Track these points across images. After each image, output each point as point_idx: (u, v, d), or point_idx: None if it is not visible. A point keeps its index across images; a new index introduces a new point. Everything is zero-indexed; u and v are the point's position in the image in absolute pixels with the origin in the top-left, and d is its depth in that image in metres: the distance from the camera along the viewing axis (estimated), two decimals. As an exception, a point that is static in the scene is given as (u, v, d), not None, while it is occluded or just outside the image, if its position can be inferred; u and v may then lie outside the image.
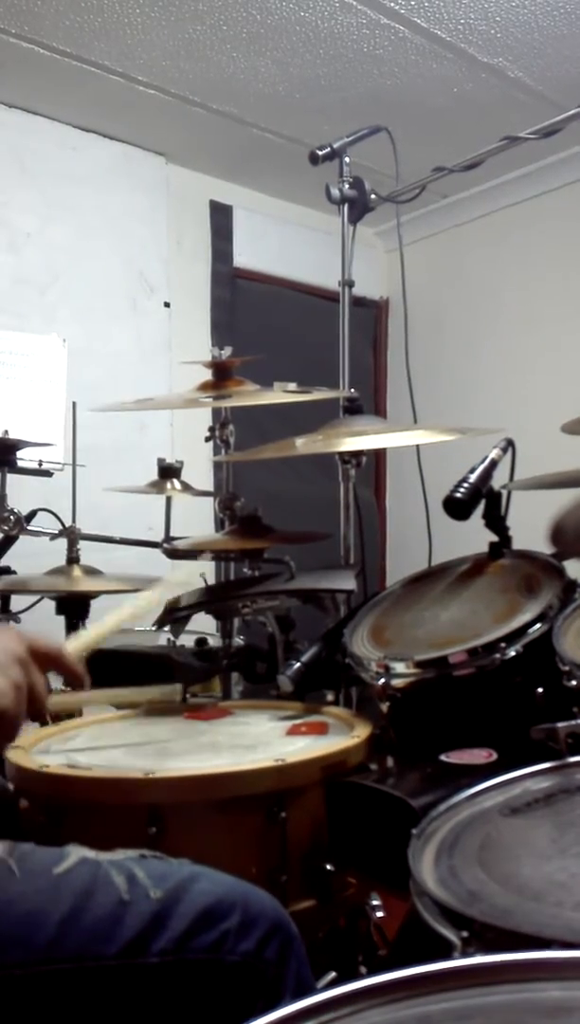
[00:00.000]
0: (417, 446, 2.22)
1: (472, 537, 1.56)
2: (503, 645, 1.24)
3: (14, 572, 1.91)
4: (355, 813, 1.14)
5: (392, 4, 2.41)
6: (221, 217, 3.48)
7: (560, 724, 0.96)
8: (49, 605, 1.85)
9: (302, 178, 2.91)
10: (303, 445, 1.59)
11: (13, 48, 2.57)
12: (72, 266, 3.02)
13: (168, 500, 2.01)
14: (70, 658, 0.97)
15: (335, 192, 2.14)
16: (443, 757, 1.15)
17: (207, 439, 2.01)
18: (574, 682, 1.11)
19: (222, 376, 1.80)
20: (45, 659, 0.93)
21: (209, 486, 2.80)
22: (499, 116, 2.85)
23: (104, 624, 1.17)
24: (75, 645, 1.05)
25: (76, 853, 0.93)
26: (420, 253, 3.57)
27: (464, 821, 0.85)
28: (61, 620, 1.82)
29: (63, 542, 1.82)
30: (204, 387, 1.81)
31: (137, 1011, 0.85)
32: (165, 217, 3.28)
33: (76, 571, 1.79)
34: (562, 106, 2.41)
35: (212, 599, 1.84)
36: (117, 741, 1.33)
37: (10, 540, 1.85)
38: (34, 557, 1.92)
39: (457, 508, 1.45)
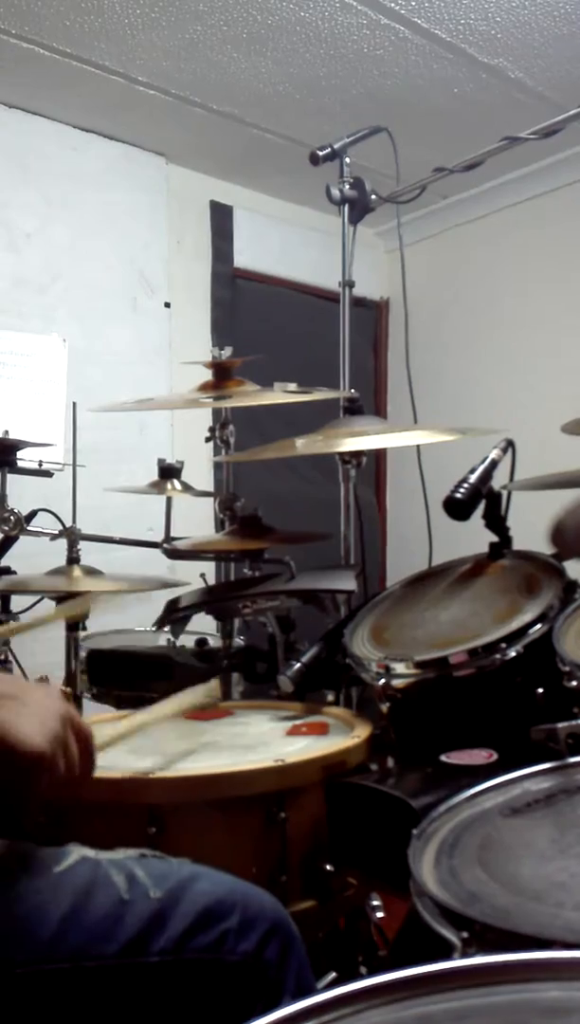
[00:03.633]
0: (417, 446, 2.22)
1: (472, 537, 1.56)
2: (503, 645, 1.24)
3: (14, 572, 1.92)
4: (355, 813, 1.14)
5: (392, 4, 2.41)
6: (221, 217, 3.47)
7: (560, 724, 0.96)
8: (49, 605, 1.85)
9: (302, 178, 2.91)
10: (303, 445, 1.60)
11: (13, 48, 2.56)
12: (72, 266, 3.02)
13: (168, 500, 2.01)
14: (92, 744, 0.93)
15: (335, 192, 2.14)
16: (443, 757, 1.15)
17: (207, 439, 2.01)
18: (574, 682, 1.11)
19: (222, 376, 1.80)
20: (75, 731, 0.89)
21: (209, 486, 2.80)
22: (499, 116, 2.85)
23: (133, 722, 1.14)
24: (103, 737, 1.02)
25: (76, 852, 0.93)
26: (420, 253, 3.57)
27: (464, 822, 0.85)
28: (61, 621, 1.82)
29: (63, 542, 1.82)
30: (204, 387, 1.81)
31: (137, 1010, 0.85)
32: (165, 217, 3.28)
33: (76, 571, 1.79)
34: (562, 106, 2.40)
35: (212, 599, 1.84)
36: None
37: (10, 540, 1.85)
38: (34, 557, 1.92)
39: (457, 508, 1.45)
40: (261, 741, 1.28)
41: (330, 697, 1.55)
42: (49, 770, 0.83)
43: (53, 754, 0.83)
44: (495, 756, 1.14)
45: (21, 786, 0.83)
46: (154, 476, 1.99)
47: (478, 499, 1.47)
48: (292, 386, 1.70)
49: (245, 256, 3.53)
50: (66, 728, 0.86)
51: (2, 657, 1.87)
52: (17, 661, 1.90)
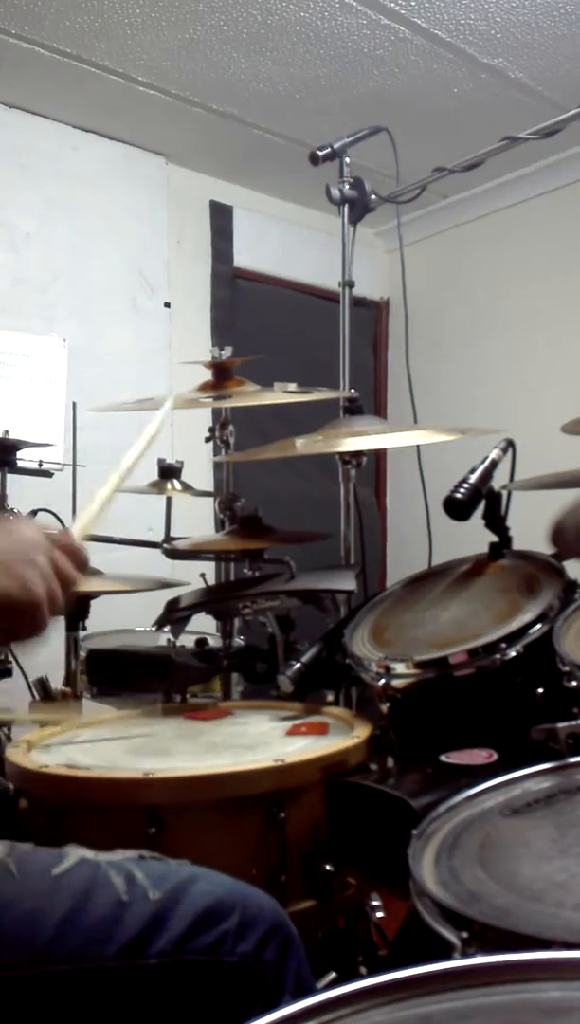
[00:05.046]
0: (417, 446, 2.22)
1: (472, 537, 1.56)
2: (503, 645, 1.24)
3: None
4: (355, 813, 1.14)
5: (392, 4, 2.41)
6: (221, 217, 3.47)
7: (560, 724, 0.96)
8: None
9: (302, 178, 2.91)
10: (303, 445, 1.59)
11: (13, 48, 2.56)
12: (72, 266, 3.02)
13: (168, 500, 2.00)
14: (77, 541, 0.95)
15: (335, 192, 2.14)
16: (443, 757, 1.15)
17: (207, 439, 2.01)
18: (574, 682, 1.11)
19: (222, 376, 1.80)
20: (60, 547, 0.91)
21: (209, 486, 2.80)
22: (499, 116, 2.85)
23: (100, 496, 1.09)
24: (79, 526, 1.02)
25: (75, 854, 0.93)
26: (420, 253, 3.57)
27: (464, 821, 0.84)
28: (61, 620, 1.82)
29: (63, 542, 1.82)
30: (204, 387, 1.81)
31: (136, 1012, 0.85)
32: (165, 217, 3.28)
33: (76, 571, 1.78)
34: (562, 106, 2.41)
35: (212, 599, 1.84)
36: (117, 741, 1.33)
37: (10, 540, 1.85)
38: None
39: (457, 508, 1.44)
40: (261, 741, 1.28)
41: (330, 697, 1.54)
42: (49, 603, 0.85)
43: (49, 592, 0.85)
44: (495, 756, 1.14)
45: (26, 626, 0.86)
46: (154, 476, 1.99)
47: (478, 499, 1.47)
48: (292, 386, 1.70)
49: (245, 256, 3.53)
50: (50, 555, 0.87)
51: (2, 657, 1.87)
52: (17, 661, 1.90)
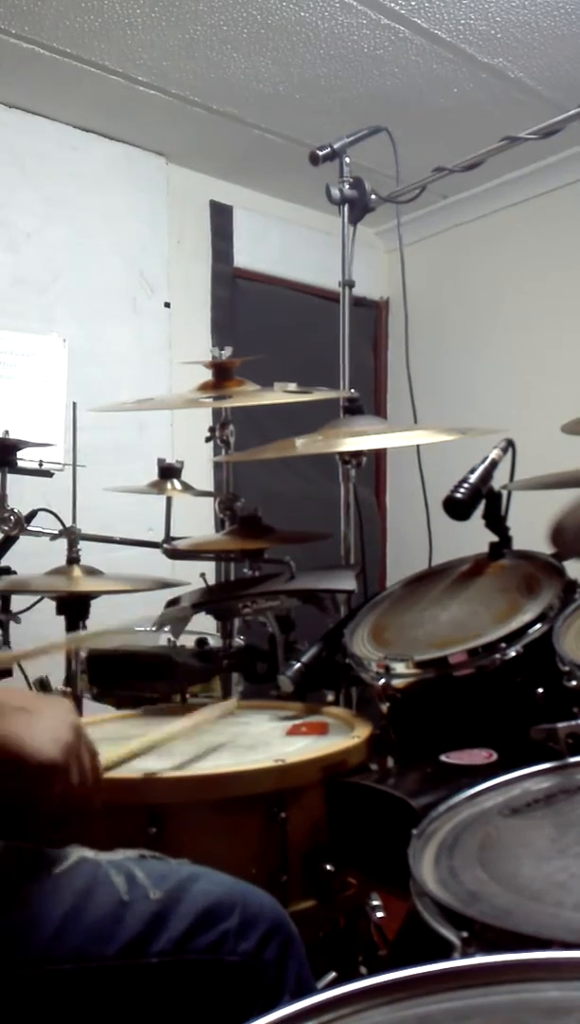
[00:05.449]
0: (417, 446, 2.22)
1: (472, 537, 1.56)
2: (503, 645, 1.24)
3: (14, 572, 1.91)
4: (355, 813, 1.14)
5: (392, 4, 2.41)
6: (221, 217, 3.47)
7: (560, 724, 0.96)
8: (49, 605, 1.85)
9: (302, 178, 2.91)
10: (303, 445, 1.60)
11: (13, 48, 2.56)
12: (72, 266, 3.02)
13: (168, 500, 2.00)
14: (98, 761, 0.92)
15: (335, 192, 2.14)
16: (443, 757, 1.15)
17: (207, 439, 2.01)
18: (574, 682, 1.11)
19: (222, 376, 1.80)
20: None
21: (209, 486, 2.80)
22: (499, 116, 2.85)
23: (142, 742, 1.13)
24: (110, 757, 1.02)
25: (76, 853, 0.93)
26: (420, 253, 3.57)
27: (464, 821, 0.85)
28: (61, 620, 1.82)
29: (63, 542, 1.82)
30: (204, 387, 1.81)
31: (137, 1011, 0.85)
32: (165, 217, 3.28)
33: (76, 571, 1.79)
34: (562, 106, 2.41)
35: (212, 599, 1.84)
36: (117, 741, 1.33)
37: (10, 540, 1.85)
38: (34, 557, 1.92)
39: (457, 508, 1.45)
40: (261, 741, 1.28)
41: (330, 697, 1.55)
42: (62, 780, 0.83)
43: (66, 763, 0.83)
44: (495, 756, 1.14)
45: (34, 795, 0.83)
46: (154, 476, 1.99)
47: (478, 499, 1.47)
48: (292, 386, 1.70)
49: (245, 256, 3.53)
50: (79, 739, 0.86)
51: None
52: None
